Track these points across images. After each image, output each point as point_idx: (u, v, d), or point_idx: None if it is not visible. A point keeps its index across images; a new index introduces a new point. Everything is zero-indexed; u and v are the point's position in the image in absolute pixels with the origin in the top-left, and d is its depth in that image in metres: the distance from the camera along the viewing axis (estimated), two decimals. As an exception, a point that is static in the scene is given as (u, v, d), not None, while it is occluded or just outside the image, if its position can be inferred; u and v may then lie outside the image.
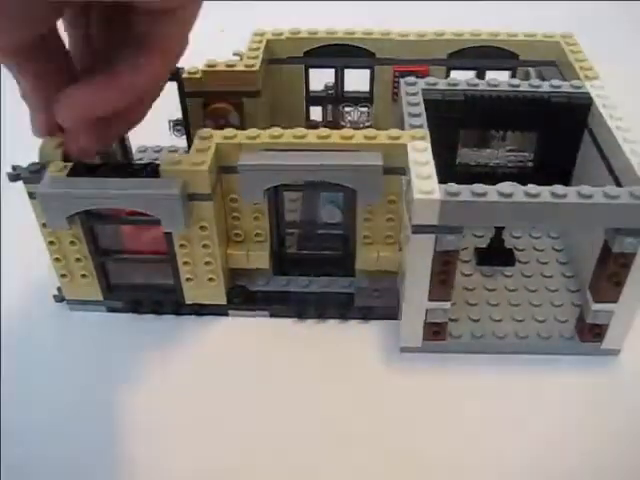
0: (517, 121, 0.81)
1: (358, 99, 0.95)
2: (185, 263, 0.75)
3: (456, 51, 0.91)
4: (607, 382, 0.73)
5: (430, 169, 0.67)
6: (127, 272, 0.79)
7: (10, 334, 0.78)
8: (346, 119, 0.94)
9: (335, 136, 0.71)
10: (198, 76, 0.86)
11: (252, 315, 0.80)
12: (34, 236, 0.75)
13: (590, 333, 0.74)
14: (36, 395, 0.72)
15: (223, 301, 0.79)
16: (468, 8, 1.37)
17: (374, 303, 0.79)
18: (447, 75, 0.92)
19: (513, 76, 0.91)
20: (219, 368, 0.75)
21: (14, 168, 0.71)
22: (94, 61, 0.64)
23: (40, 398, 0.72)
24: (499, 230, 0.83)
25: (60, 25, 0.60)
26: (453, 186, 0.65)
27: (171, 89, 0.87)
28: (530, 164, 0.86)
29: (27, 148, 0.72)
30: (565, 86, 0.79)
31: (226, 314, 0.80)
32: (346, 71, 0.94)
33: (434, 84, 0.80)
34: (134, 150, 0.99)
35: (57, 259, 0.76)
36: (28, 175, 0.70)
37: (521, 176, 0.84)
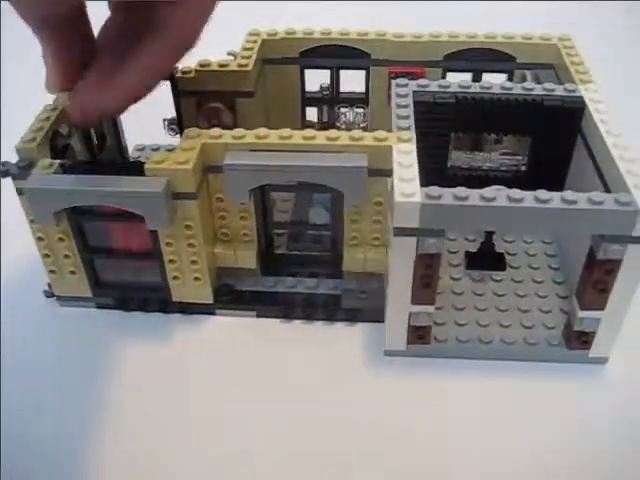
0: (509, 124, 0.80)
1: (354, 100, 0.94)
2: (171, 261, 0.76)
3: (452, 53, 0.90)
4: (594, 391, 0.72)
5: (413, 172, 0.67)
6: (116, 269, 0.80)
7: (-1, 329, 0.79)
8: (342, 120, 0.94)
9: (321, 137, 0.71)
10: (191, 75, 0.86)
11: (239, 315, 0.80)
12: (25, 232, 0.76)
13: (577, 341, 0.73)
14: (23, 390, 0.73)
15: (210, 300, 0.79)
16: (465, 9, 1.36)
17: (361, 305, 0.79)
18: (443, 77, 0.91)
19: (510, 79, 0.90)
20: (205, 367, 0.75)
21: (3, 164, 0.71)
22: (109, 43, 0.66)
23: (28, 393, 0.73)
24: (489, 234, 0.82)
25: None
26: (435, 189, 0.64)
27: (168, 88, 0.88)
28: (523, 168, 0.84)
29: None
30: (559, 89, 0.78)
31: (213, 313, 0.80)
32: (342, 72, 0.94)
33: (425, 86, 0.79)
34: (131, 149, 1.00)
35: (46, 255, 0.77)
36: (16, 171, 0.71)
37: (514, 180, 0.83)
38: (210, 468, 0.66)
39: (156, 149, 1.02)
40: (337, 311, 0.79)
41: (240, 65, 0.85)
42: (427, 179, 0.66)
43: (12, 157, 0.72)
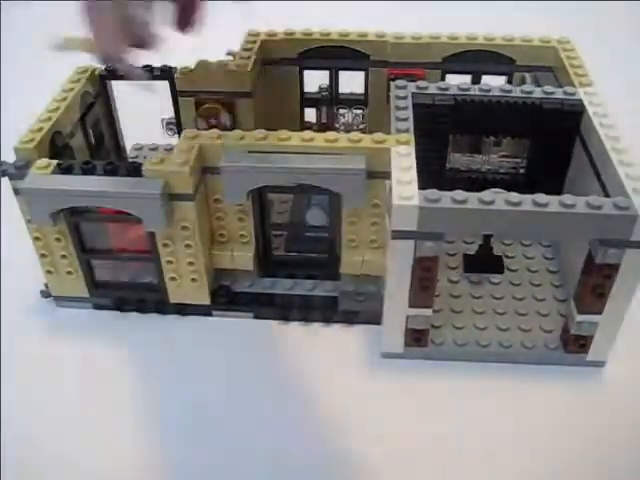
0: (508, 127, 0.80)
1: (353, 101, 0.94)
2: (168, 262, 0.75)
3: (451, 55, 0.90)
4: (591, 394, 0.72)
5: (411, 175, 0.67)
6: (113, 270, 0.79)
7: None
8: (340, 121, 0.94)
9: (319, 139, 0.71)
10: (190, 75, 0.85)
11: (236, 316, 0.80)
12: (22, 232, 0.76)
13: (575, 344, 0.73)
14: (21, 392, 0.73)
15: (207, 301, 0.79)
16: (463, 11, 1.35)
17: (358, 307, 0.78)
18: (442, 79, 0.91)
19: (509, 81, 0.90)
20: (202, 368, 0.75)
21: (0, 164, 0.71)
22: None
23: (25, 395, 0.72)
24: (488, 237, 0.82)
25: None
26: (433, 192, 0.64)
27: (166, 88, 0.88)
28: (522, 170, 0.84)
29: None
30: (558, 92, 0.78)
31: (210, 314, 0.80)
32: (341, 73, 0.93)
33: (424, 88, 0.79)
34: (129, 148, 0.99)
35: (43, 255, 0.77)
36: (14, 171, 0.71)
37: (513, 182, 0.83)
38: (212, 468, 0.65)
39: (154, 149, 1.03)
40: (334, 313, 0.79)
41: (239, 65, 0.84)
42: (425, 181, 0.66)
43: (12, 157, 0.72)
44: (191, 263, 0.75)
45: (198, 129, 0.81)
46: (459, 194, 0.64)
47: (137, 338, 0.78)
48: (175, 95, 0.87)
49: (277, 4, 1.31)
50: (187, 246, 0.74)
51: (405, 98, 0.78)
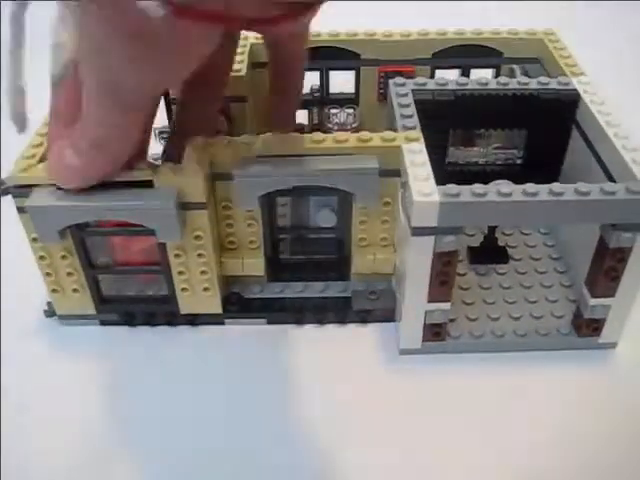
0: (507, 119, 0.81)
1: (343, 100, 0.94)
2: (180, 273, 0.74)
3: (440, 50, 0.90)
4: (606, 374, 0.74)
5: (427, 171, 0.67)
6: (120, 284, 0.78)
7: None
8: (333, 121, 0.93)
9: (329, 140, 0.71)
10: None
11: (249, 323, 0.79)
12: (21, 251, 0.74)
13: (588, 328, 0.74)
14: (32, 412, 0.71)
15: (219, 310, 0.78)
16: (451, 8, 1.37)
17: (371, 306, 0.79)
18: (432, 74, 0.92)
19: (497, 73, 0.92)
20: (219, 377, 0.74)
21: (2, 182, 0.69)
22: None
23: (36, 414, 0.71)
24: (492, 228, 0.83)
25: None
26: (452, 187, 0.65)
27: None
28: (519, 161, 0.86)
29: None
30: (553, 83, 0.80)
31: (222, 323, 0.79)
32: (331, 73, 0.93)
33: (423, 84, 0.80)
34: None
35: (48, 274, 0.74)
36: (17, 189, 0.68)
37: (511, 173, 0.84)
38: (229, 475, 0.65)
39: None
40: (348, 313, 0.79)
41: (234, 70, 0.83)
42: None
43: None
44: (204, 272, 0.74)
45: (194, 136, 0.80)
46: (478, 187, 0.65)
47: (150, 352, 0.77)
48: (169, 103, 0.86)
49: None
50: (200, 255, 0.73)
51: (406, 95, 0.78)
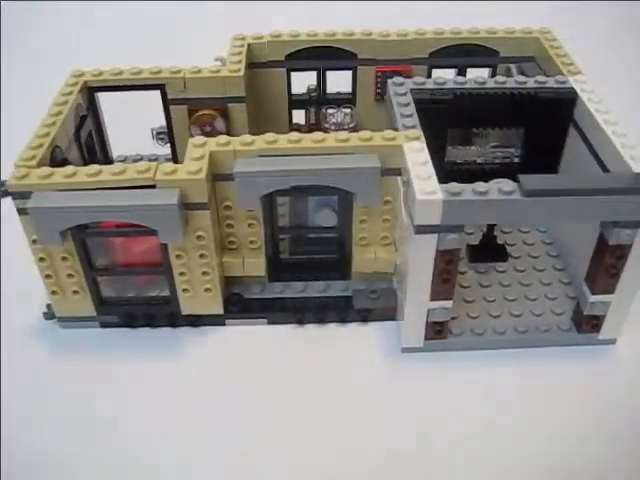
0: (505, 118, 0.81)
1: (340, 100, 0.94)
2: (181, 274, 0.74)
3: (437, 50, 0.91)
4: (606, 370, 0.74)
5: (429, 169, 0.67)
6: (121, 285, 0.77)
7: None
8: (330, 121, 0.94)
9: (330, 139, 0.71)
10: (182, 83, 0.84)
11: (250, 323, 0.79)
12: (20, 253, 0.73)
13: (588, 324, 0.75)
14: (32, 414, 0.70)
15: (220, 311, 0.78)
16: (448, 7, 1.37)
17: (372, 305, 0.79)
18: (429, 74, 0.92)
19: (494, 73, 0.92)
20: (220, 377, 0.74)
21: (2, 183, 0.68)
22: None
23: (36, 416, 0.70)
24: (491, 226, 0.84)
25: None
26: (455, 185, 0.65)
27: (153, 98, 0.86)
28: (516, 159, 0.86)
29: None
30: (550, 81, 0.80)
31: (223, 323, 0.79)
32: (328, 72, 0.93)
33: (422, 83, 0.80)
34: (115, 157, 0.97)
35: (48, 275, 0.74)
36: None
37: (509, 172, 0.85)
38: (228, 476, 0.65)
39: (138, 159, 1.00)
40: (349, 313, 0.79)
41: (232, 70, 0.83)
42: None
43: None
44: (205, 273, 0.74)
45: (192, 137, 0.80)
46: (480, 185, 0.65)
47: (151, 353, 0.76)
48: (166, 104, 0.86)
49: (262, 4, 1.29)
50: (201, 256, 0.72)
51: (405, 94, 0.78)
